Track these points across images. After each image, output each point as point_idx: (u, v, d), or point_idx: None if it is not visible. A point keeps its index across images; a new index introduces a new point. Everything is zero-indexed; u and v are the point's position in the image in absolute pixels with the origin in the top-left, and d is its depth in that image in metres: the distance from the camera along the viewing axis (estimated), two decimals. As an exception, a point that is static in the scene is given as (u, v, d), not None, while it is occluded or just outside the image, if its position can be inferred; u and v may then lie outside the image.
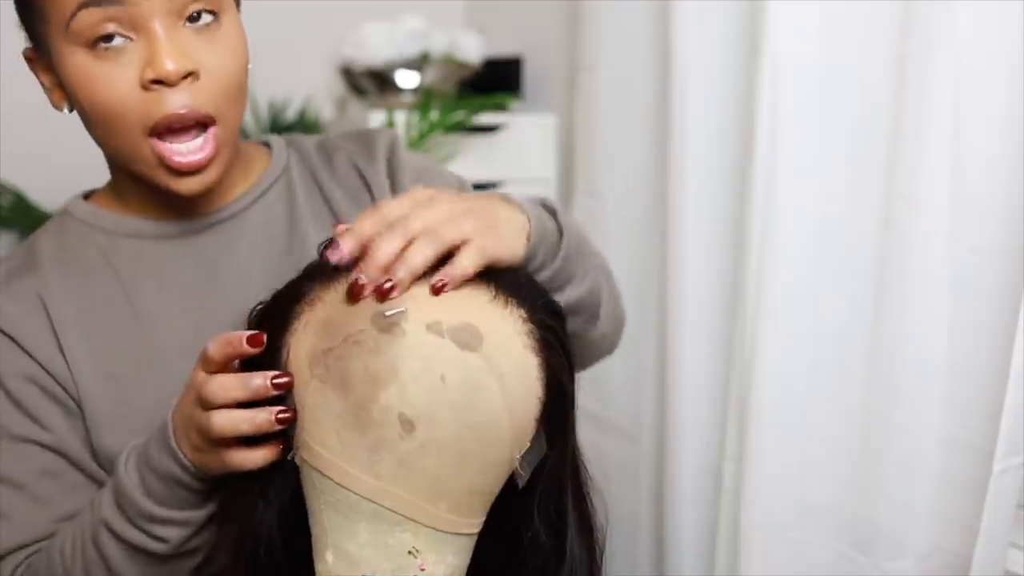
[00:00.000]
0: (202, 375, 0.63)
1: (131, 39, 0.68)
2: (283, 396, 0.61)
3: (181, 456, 0.65)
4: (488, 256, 0.63)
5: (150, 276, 0.78)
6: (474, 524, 0.62)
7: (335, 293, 0.61)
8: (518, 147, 1.61)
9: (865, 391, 1.06)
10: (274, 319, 0.63)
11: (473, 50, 1.69)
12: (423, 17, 1.65)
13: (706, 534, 1.28)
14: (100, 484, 0.75)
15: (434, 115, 1.55)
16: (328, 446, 0.59)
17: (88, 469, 0.76)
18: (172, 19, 0.69)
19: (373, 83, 1.66)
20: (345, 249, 0.62)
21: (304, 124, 1.69)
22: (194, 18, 0.70)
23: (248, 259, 0.80)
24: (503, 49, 1.76)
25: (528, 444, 0.62)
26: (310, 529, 0.62)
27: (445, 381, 0.58)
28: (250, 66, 0.75)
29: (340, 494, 0.59)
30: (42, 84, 0.77)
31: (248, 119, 1.60)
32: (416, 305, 0.59)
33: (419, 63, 1.65)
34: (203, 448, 0.64)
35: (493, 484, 0.62)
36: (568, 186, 1.59)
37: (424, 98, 1.56)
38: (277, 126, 1.65)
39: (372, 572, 0.60)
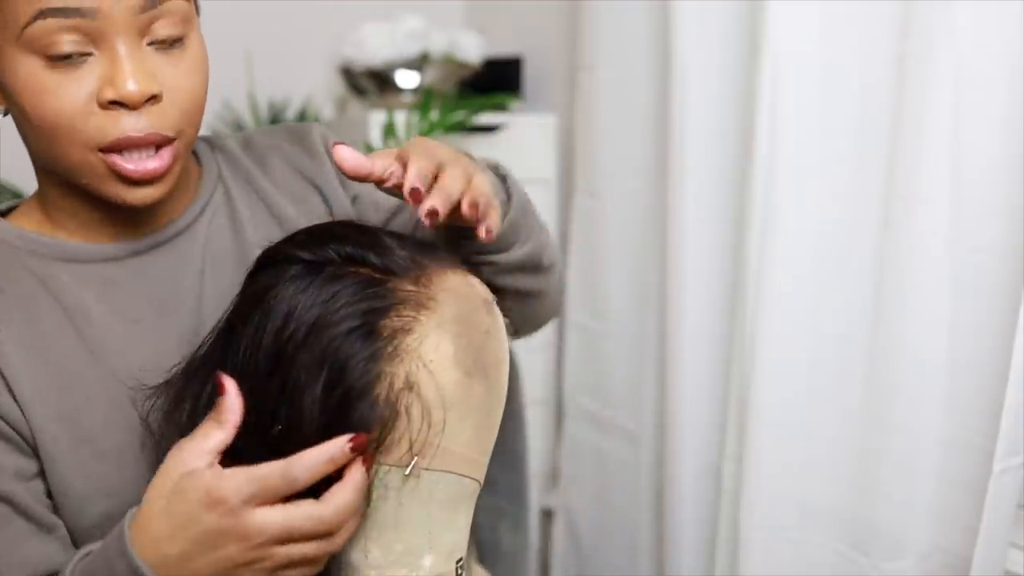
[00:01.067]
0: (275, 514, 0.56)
1: (91, 53, 0.64)
2: (386, 410, 0.58)
3: (142, 568, 0.58)
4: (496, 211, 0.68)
5: (97, 301, 0.72)
6: None
7: (439, 288, 0.60)
8: (518, 147, 1.61)
9: (865, 391, 1.06)
10: (363, 340, 0.58)
11: (473, 50, 1.69)
12: (423, 17, 1.65)
13: (706, 534, 1.28)
14: (49, 531, 0.69)
15: (434, 115, 1.55)
16: (464, 440, 0.60)
17: (36, 517, 0.68)
18: (135, 38, 0.65)
19: (373, 83, 1.66)
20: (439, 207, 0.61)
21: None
22: (159, 34, 0.66)
23: (199, 275, 0.75)
24: (503, 49, 1.76)
25: None
26: (378, 555, 0.59)
27: (505, 348, 0.66)
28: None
29: (459, 485, 0.60)
30: None
31: (248, 119, 1.61)
32: (481, 289, 0.65)
33: (419, 63, 1.65)
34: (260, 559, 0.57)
35: None
36: (568, 186, 1.59)
37: (424, 98, 1.56)
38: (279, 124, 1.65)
39: (461, 553, 0.61)
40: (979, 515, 0.94)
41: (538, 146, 1.65)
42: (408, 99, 1.64)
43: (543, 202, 1.66)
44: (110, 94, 0.64)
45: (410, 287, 0.59)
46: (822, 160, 1.08)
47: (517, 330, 0.86)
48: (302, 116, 1.71)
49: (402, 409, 0.57)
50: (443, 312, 0.59)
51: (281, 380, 0.58)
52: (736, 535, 1.18)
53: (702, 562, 1.29)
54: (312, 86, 1.80)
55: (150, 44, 0.66)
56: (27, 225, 0.75)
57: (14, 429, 0.68)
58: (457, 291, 0.61)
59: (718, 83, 1.21)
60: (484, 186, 0.67)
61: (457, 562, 0.60)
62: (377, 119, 1.58)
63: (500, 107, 1.64)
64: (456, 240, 0.74)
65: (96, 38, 0.64)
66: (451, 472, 0.59)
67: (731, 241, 1.21)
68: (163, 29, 0.66)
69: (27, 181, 1.57)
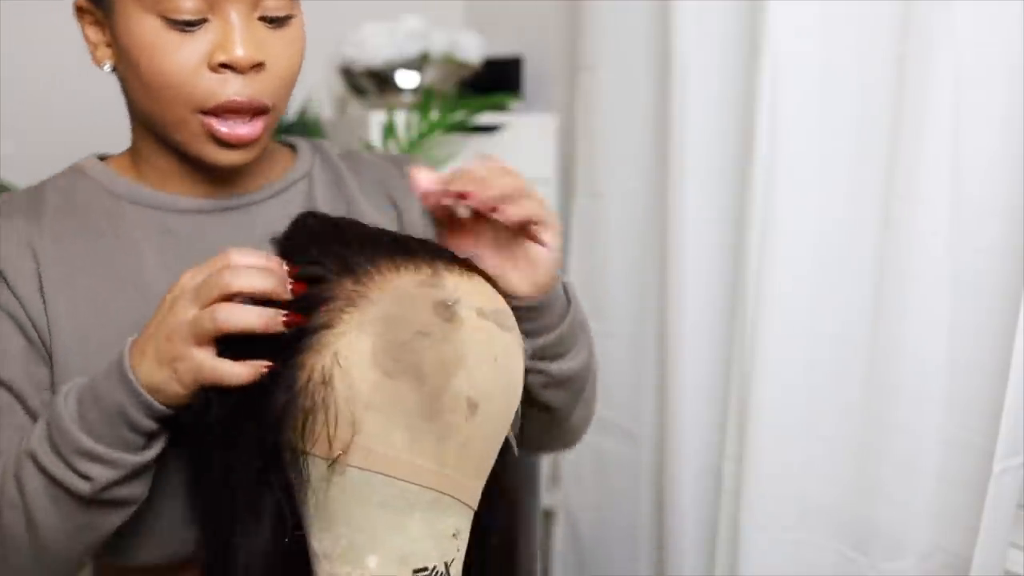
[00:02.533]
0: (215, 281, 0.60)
1: (206, 20, 0.70)
2: (308, 403, 0.59)
3: (134, 382, 0.62)
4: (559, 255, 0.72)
5: (153, 248, 0.76)
6: None
7: (379, 289, 0.60)
8: (518, 147, 1.61)
9: (865, 391, 1.06)
10: (291, 335, 0.60)
11: (473, 50, 1.69)
12: (423, 17, 1.65)
13: (706, 534, 1.28)
14: None
15: (434, 115, 1.55)
16: (394, 443, 0.58)
17: (36, 416, 0.72)
18: (248, 9, 0.70)
19: (373, 83, 1.66)
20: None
21: (304, 124, 1.68)
22: (269, 9, 0.72)
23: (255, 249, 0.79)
24: (503, 49, 1.76)
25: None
26: (325, 547, 0.60)
27: (498, 361, 0.62)
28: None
29: (399, 490, 0.59)
30: (86, 38, 0.77)
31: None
32: (463, 293, 0.62)
33: (419, 63, 1.65)
34: (178, 357, 0.60)
35: None
36: (568, 186, 1.59)
37: (424, 98, 1.56)
38: (277, 126, 1.65)
39: (423, 564, 0.60)
40: (979, 515, 0.94)
41: (538, 146, 1.65)
42: (408, 99, 1.64)
43: (543, 202, 1.66)
44: (221, 57, 0.69)
45: (349, 285, 0.60)
46: (822, 160, 1.08)
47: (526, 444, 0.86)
48: (302, 116, 1.71)
49: (319, 401, 0.58)
50: (370, 311, 0.59)
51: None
52: (736, 535, 1.18)
53: (702, 562, 1.29)
54: (312, 86, 1.79)
55: (260, 19, 0.72)
56: (117, 168, 0.80)
57: (35, 328, 0.72)
58: (401, 291, 0.60)
59: (718, 83, 1.21)
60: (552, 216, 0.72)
61: (417, 571, 0.60)
62: (377, 119, 1.58)
63: (500, 107, 1.64)
64: None
65: (213, 6, 0.69)
66: (381, 473, 0.58)
67: (731, 241, 1.21)
68: (273, 5, 0.72)
69: (27, 181, 1.57)
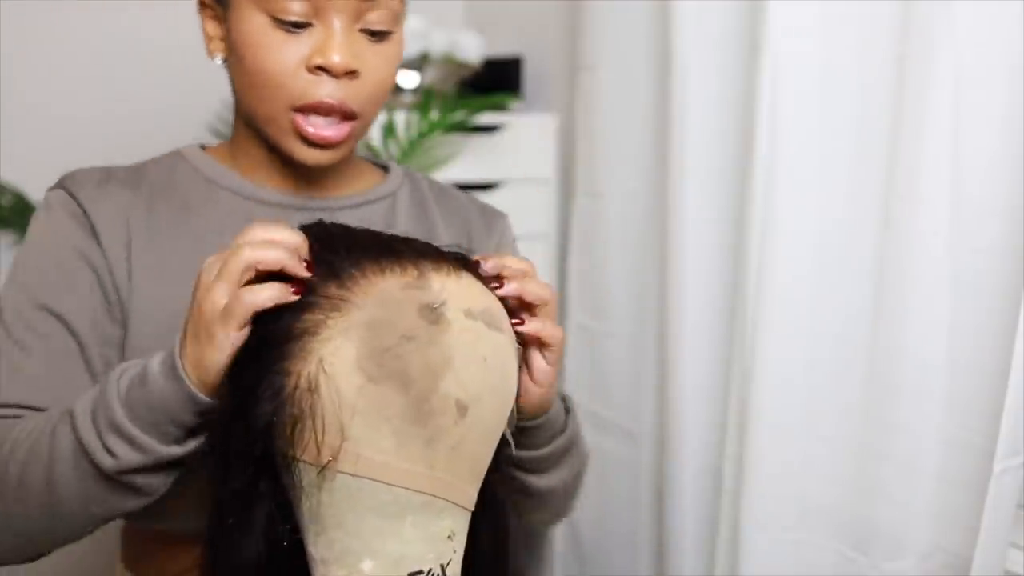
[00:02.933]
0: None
1: (311, 24, 0.75)
2: (296, 409, 0.59)
3: (182, 374, 0.62)
4: (554, 376, 0.71)
5: (234, 233, 0.77)
6: None
7: (363, 294, 0.60)
8: (518, 147, 1.61)
9: (865, 391, 1.06)
10: (278, 340, 0.60)
11: (473, 50, 1.69)
12: (423, 17, 1.65)
13: (706, 534, 1.28)
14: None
15: (434, 115, 1.55)
16: (383, 448, 0.58)
17: (94, 374, 0.76)
18: (351, 20, 0.75)
19: (373, 83, 1.66)
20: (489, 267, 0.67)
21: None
22: (371, 22, 0.76)
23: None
24: (503, 49, 1.76)
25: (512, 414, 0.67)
26: (320, 551, 0.60)
27: (487, 362, 0.61)
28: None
29: (390, 495, 0.59)
30: (204, 31, 0.81)
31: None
32: (449, 295, 0.61)
33: (419, 63, 1.65)
34: (218, 323, 0.61)
35: None
36: (568, 186, 1.59)
37: (424, 98, 1.56)
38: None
39: (418, 566, 0.59)
40: (979, 515, 0.94)
41: (538, 146, 1.66)
42: (408, 99, 1.64)
43: (543, 202, 1.67)
44: (318, 60, 0.75)
45: (333, 290, 0.60)
46: (822, 160, 1.08)
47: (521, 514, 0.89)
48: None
49: (307, 408, 0.58)
50: (354, 316, 0.59)
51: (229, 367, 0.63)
52: (736, 535, 1.18)
53: (702, 562, 1.30)
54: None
55: (362, 30, 0.76)
56: (213, 156, 0.86)
57: (116, 290, 0.77)
58: (385, 295, 0.59)
59: (718, 83, 1.21)
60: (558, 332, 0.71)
61: (413, 574, 0.59)
62: (377, 119, 1.58)
63: (500, 107, 1.64)
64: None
65: (319, 12, 0.75)
66: (371, 479, 0.58)
67: (731, 241, 1.21)
68: (375, 19, 0.76)
69: (27, 181, 1.57)
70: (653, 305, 1.35)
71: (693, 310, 1.26)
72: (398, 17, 0.78)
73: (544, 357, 0.70)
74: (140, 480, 0.66)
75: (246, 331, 0.61)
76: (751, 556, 1.16)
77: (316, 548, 0.60)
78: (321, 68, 0.75)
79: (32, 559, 0.72)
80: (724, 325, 1.23)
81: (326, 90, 0.75)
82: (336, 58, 0.74)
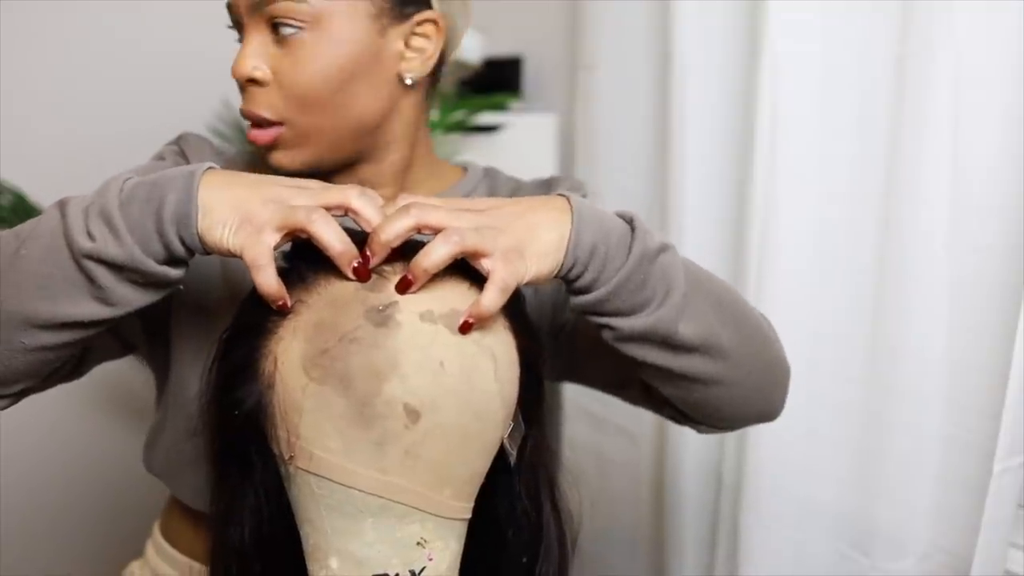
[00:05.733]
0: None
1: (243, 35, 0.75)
2: (264, 402, 0.60)
3: (194, 195, 0.59)
4: (509, 288, 0.61)
5: None
6: (470, 508, 0.63)
7: (319, 296, 0.61)
8: (518, 147, 1.61)
9: (865, 391, 1.06)
10: (249, 332, 0.62)
11: (473, 50, 1.69)
12: (423, 17, 1.65)
13: (706, 534, 1.28)
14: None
15: (434, 115, 1.55)
16: (331, 448, 0.59)
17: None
18: (261, 24, 0.73)
19: (373, 83, 1.66)
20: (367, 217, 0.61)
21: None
22: (277, 27, 0.73)
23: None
24: (503, 49, 1.76)
25: (512, 424, 0.64)
26: (302, 542, 0.61)
27: (444, 367, 0.59)
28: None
29: (344, 495, 0.59)
30: None
31: (248, 119, 1.61)
32: (405, 296, 0.60)
33: (419, 63, 1.64)
34: (251, 222, 0.59)
35: (486, 466, 0.63)
36: (568, 186, 1.59)
37: (424, 98, 1.56)
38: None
39: (383, 569, 0.60)
40: (979, 515, 0.94)
41: (538, 146, 1.65)
42: (408, 99, 1.64)
43: (543, 202, 1.66)
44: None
45: (299, 292, 0.61)
46: (822, 160, 1.08)
47: (689, 417, 0.78)
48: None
49: (266, 403, 0.60)
50: (304, 316, 0.60)
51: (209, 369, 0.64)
52: (736, 535, 1.18)
53: (702, 562, 1.30)
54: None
55: (275, 33, 0.73)
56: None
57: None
58: (335, 297, 0.60)
59: (718, 83, 1.21)
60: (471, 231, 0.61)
61: None
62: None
63: (500, 107, 1.64)
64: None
65: (241, 23, 0.75)
66: (325, 478, 0.59)
67: (731, 241, 1.21)
68: (279, 21, 0.73)
69: (27, 181, 1.57)
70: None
71: (693, 310, 1.26)
72: (310, 15, 0.72)
73: (480, 266, 0.61)
74: (106, 279, 0.60)
75: (270, 244, 0.59)
76: (751, 556, 1.16)
77: (302, 540, 0.62)
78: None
79: None
80: (724, 325, 1.23)
81: (244, 99, 0.75)
82: (235, 67, 0.74)
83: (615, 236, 0.67)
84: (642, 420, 1.40)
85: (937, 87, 0.95)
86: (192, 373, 0.77)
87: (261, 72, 0.73)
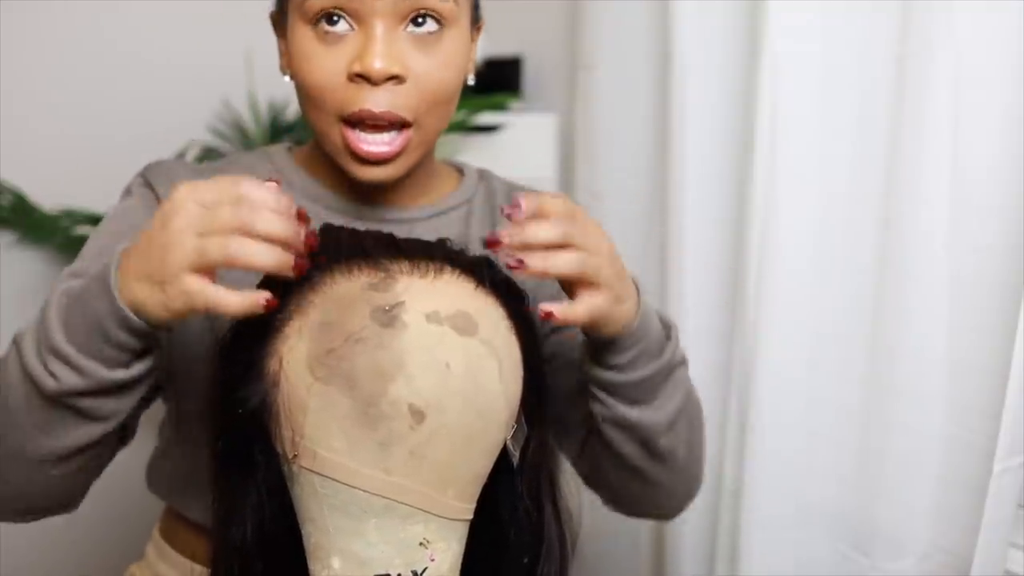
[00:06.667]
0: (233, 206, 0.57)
1: (353, 29, 0.71)
2: (268, 402, 0.60)
3: (115, 296, 0.59)
4: (596, 317, 0.66)
5: None
6: (472, 509, 0.63)
7: (325, 295, 0.61)
8: (518, 147, 1.61)
9: (865, 391, 1.06)
10: (254, 331, 0.62)
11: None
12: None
13: (706, 534, 1.28)
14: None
15: (434, 115, 1.55)
16: (335, 448, 0.58)
17: None
18: (394, 21, 0.71)
19: (373, 83, 1.66)
20: (521, 212, 0.63)
21: (304, 124, 1.69)
22: (418, 23, 0.72)
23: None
24: (503, 49, 1.76)
25: (515, 425, 0.64)
26: (303, 541, 0.61)
27: (450, 368, 0.59)
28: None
29: (348, 495, 0.59)
30: (279, 47, 0.80)
31: (248, 119, 1.61)
32: (411, 297, 0.60)
33: (419, 63, 1.64)
34: (171, 281, 0.57)
35: (489, 467, 0.63)
36: (568, 186, 1.59)
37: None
38: (277, 126, 1.65)
39: (385, 570, 0.59)
40: (979, 515, 0.94)
41: (538, 146, 1.65)
42: (408, 99, 1.64)
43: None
44: (357, 67, 0.71)
45: (305, 291, 0.61)
46: (822, 160, 1.08)
47: (616, 503, 0.86)
48: (302, 116, 1.71)
49: (271, 403, 0.60)
50: (311, 316, 0.60)
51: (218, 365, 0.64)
52: (736, 535, 1.18)
53: (702, 562, 1.30)
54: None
55: (409, 32, 0.72)
56: (297, 160, 0.85)
57: None
58: (341, 296, 0.60)
59: (718, 83, 1.21)
60: (610, 276, 0.66)
61: None
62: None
63: (500, 107, 1.64)
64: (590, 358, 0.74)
65: (359, 18, 0.71)
66: (329, 478, 0.59)
67: (731, 241, 1.21)
68: (421, 19, 0.72)
69: (27, 181, 1.57)
70: (653, 305, 1.35)
71: (693, 310, 1.26)
72: (449, 16, 0.73)
73: (576, 294, 0.66)
74: (87, 404, 0.62)
75: (203, 283, 0.57)
76: (751, 556, 1.16)
77: (304, 539, 0.62)
78: (361, 76, 0.71)
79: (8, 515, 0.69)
80: (724, 325, 1.23)
81: (370, 98, 0.71)
82: (376, 63, 0.70)
83: (655, 333, 0.73)
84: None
85: (937, 87, 0.95)
86: (195, 407, 0.76)
87: (402, 68, 0.71)
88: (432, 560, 0.60)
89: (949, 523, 0.99)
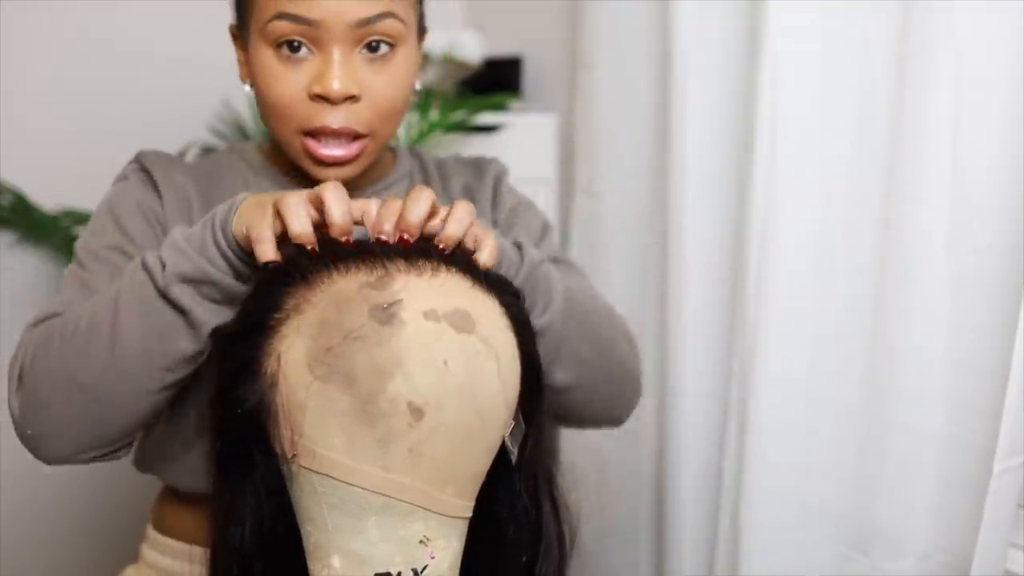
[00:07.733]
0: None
1: (313, 53, 0.79)
2: (267, 401, 0.60)
3: (234, 206, 0.68)
4: (497, 257, 0.69)
5: None
6: (471, 507, 0.63)
7: (323, 293, 0.61)
8: (518, 147, 1.61)
9: (865, 391, 1.06)
10: (252, 330, 0.62)
11: (473, 50, 1.69)
12: (423, 17, 1.64)
13: (706, 534, 1.28)
14: None
15: (434, 115, 1.55)
16: (334, 446, 0.59)
17: None
18: (350, 46, 0.79)
19: (373, 83, 1.66)
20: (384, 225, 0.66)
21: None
22: (373, 47, 0.80)
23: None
24: (503, 49, 1.76)
25: (513, 423, 0.64)
26: (303, 541, 0.62)
27: (448, 365, 0.59)
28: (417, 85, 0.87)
29: (347, 493, 0.59)
30: (238, 57, 0.88)
31: (248, 119, 1.61)
32: (409, 295, 0.60)
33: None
34: (268, 203, 0.66)
35: (488, 464, 0.64)
36: (568, 186, 1.59)
37: (424, 98, 1.56)
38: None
39: (385, 568, 0.60)
40: (979, 515, 0.94)
41: (538, 146, 1.65)
42: (408, 99, 1.64)
43: (543, 202, 1.66)
44: (317, 89, 0.79)
45: (302, 290, 0.62)
46: (822, 160, 1.08)
47: (563, 419, 0.90)
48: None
49: (269, 402, 0.60)
50: (308, 315, 0.60)
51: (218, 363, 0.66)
52: (736, 535, 1.18)
53: (702, 562, 1.29)
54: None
55: (362, 53, 0.80)
56: (258, 149, 0.93)
57: None
58: (339, 295, 0.60)
59: (718, 83, 1.21)
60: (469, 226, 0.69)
61: (380, 575, 0.60)
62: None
63: (500, 107, 1.64)
64: None
65: (319, 44, 0.79)
66: (328, 476, 0.59)
67: (731, 241, 1.21)
68: (374, 42, 0.80)
69: (27, 181, 1.57)
70: (653, 305, 1.35)
71: (693, 310, 1.26)
72: (400, 36, 0.81)
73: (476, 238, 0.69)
74: (188, 299, 0.69)
75: (270, 224, 0.65)
76: (751, 556, 1.16)
77: (304, 539, 0.62)
78: (321, 96, 0.78)
79: (101, 446, 0.73)
80: (724, 325, 1.23)
81: (330, 116, 0.79)
82: (335, 85, 0.77)
83: (510, 250, 0.78)
84: (642, 420, 1.40)
85: (937, 87, 0.95)
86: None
87: (358, 89, 0.79)
88: (432, 558, 0.61)
89: (949, 523, 0.99)
